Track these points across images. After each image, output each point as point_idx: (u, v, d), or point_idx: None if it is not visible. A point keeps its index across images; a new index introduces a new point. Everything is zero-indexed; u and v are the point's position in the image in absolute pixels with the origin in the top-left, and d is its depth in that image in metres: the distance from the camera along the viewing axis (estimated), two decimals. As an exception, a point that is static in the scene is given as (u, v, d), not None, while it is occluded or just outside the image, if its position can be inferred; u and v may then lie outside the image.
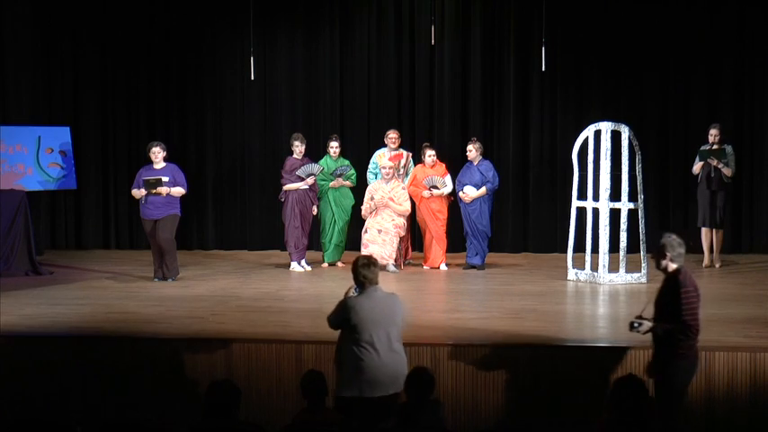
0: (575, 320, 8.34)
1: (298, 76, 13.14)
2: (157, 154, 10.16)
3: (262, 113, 13.21)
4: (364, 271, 5.87)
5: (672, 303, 5.68)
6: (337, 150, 11.35)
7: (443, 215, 11.10)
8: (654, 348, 5.88)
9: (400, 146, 11.51)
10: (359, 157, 12.02)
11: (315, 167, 11.01)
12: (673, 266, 5.74)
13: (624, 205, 10.01)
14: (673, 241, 5.77)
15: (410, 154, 11.56)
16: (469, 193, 10.94)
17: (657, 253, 5.77)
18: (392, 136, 11.45)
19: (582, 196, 10.26)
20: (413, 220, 11.41)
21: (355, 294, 5.98)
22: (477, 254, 11.02)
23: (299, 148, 11.05)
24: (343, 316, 5.88)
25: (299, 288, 9.90)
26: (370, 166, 11.52)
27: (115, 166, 13.38)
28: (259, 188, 13.15)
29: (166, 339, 7.40)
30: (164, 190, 10.04)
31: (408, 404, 5.49)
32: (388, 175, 10.94)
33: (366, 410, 5.74)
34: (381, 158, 11.35)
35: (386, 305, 5.91)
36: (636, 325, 5.78)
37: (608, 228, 9.94)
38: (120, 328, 7.80)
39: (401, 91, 13.01)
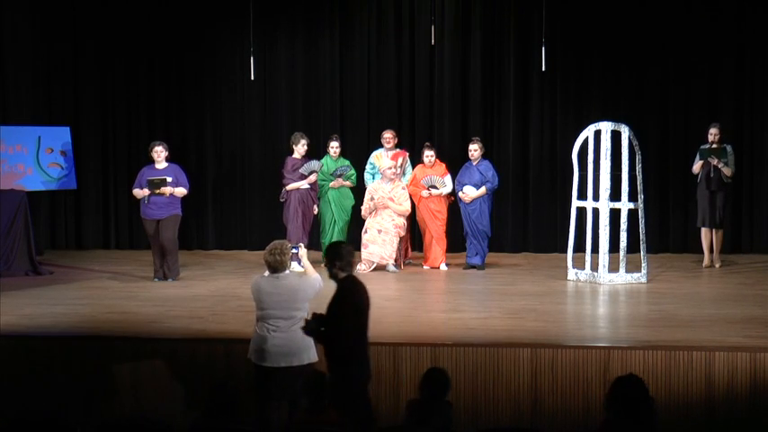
0: (575, 320, 8.34)
1: (298, 76, 13.14)
2: (160, 153, 10.15)
3: (262, 113, 13.21)
4: (268, 257, 6.29)
5: (338, 310, 5.84)
6: (337, 150, 11.35)
7: (443, 215, 11.10)
8: (326, 353, 5.97)
9: (396, 145, 11.51)
10: (359, 158, 12.01)
11: (315, 164, 11.00)
12: (342, 275, 5.92)
13: (624, 205, 10.01)
14: (342, 250, 5.95)
15: (407, 153, 11.55)
16: (469, 193, 10.94)
17: (329, 262, 5.93)
18: (387, 136, 11.44)
19: (582, 196, 10.26)
20: (413, 220, 11.41)
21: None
22: (477, 254, 11.02)
23: (305, 147, 11.03)
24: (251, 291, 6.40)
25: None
26: (366, 167, 11.51)
27: (115, 166, 13.38)
28: (259, 188, 13.14)
29: (166, 339, 7.40)
30: (167, 190, 10.03)
31: (420, 404, 5.50)
32: (394, 175, 10.94)
33: (261, 376, 6.26)
34: (380, 159, 11.34)
35: (284, 293, 6.23)
36: (303, 326, 5.96)
37: (608, 228, 9.94)
38: (120, 328, 7.80)
39: (401, 91, 13.00)
